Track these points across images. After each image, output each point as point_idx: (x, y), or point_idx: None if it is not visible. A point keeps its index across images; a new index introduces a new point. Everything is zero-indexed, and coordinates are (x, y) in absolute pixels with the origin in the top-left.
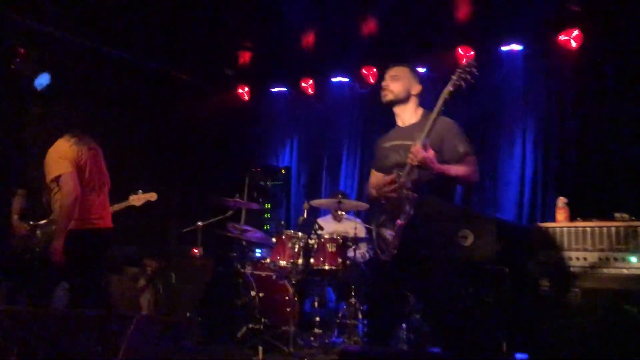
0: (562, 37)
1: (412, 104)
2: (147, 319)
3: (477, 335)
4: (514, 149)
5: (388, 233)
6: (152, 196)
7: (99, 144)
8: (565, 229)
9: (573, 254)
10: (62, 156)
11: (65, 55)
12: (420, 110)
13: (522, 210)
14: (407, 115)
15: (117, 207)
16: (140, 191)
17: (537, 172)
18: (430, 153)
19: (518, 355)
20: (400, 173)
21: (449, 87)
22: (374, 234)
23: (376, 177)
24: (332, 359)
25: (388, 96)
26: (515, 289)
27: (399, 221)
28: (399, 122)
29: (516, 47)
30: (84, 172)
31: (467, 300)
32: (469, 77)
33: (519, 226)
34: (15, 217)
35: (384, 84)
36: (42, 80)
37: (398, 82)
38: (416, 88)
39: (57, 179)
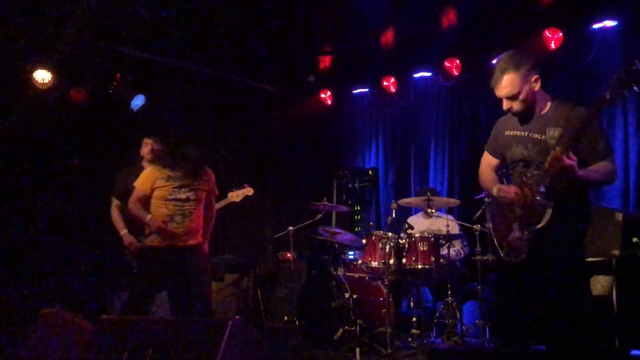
0: None
1: (538, 97)
2: (242, 323)
3: (589, 332)
4: (615, 133)
5: (515, 236)
6: (249, 191)
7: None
8: None
9: None
10: None
11: (157, 76)
12: (549, 100)
13: (627, 198)
14: (538, 108)
15: (218, 205)
16: (234, 188)
17: None
18: (573, 160)
19: (634, 352)
20: (528, 175)
21: (606, 96)
22: (494, 230)
23: (489, 161)
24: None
25: (518, 114)
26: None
27: (532, 227)
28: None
29: (610, 23)
30: None
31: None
32: (633, 85)
33: None
34: (124, 231)
35: (505, 108)
36: (138, 101)
37: (517, 99)
38: (536, 82)
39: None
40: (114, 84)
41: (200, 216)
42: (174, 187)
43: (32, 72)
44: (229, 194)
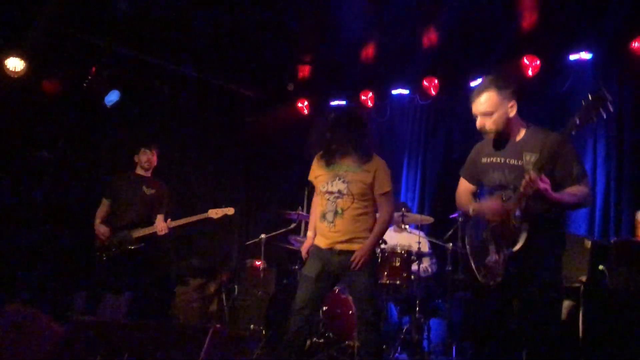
0: (635, 44)
1: (513, 124)
2: (222, 330)
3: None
4: (585, 162)
5: (491, 258)
6: (230, 210)
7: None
8: None
9: None
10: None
11: (133, 73)
12: (524, 126)
13: (593, 225)
14: (510, 133)
15: (195, 218)
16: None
17: (609, 185)
18: (547, 182)
19: None
20: (504, 197)
21: (576, 121)
22: (469, 250)
23: (465, 186)
24: None
25: (490, 135)
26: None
27: (507, 250)
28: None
29: (585, 55)
30: None
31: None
32: (601, 111)
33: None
34: (97, 221)
35: (478, 125)
36: (112, 97)
37: (491, 118)
38: (512, 108)
39: (386, 194)
40: (89, 77)
41: None
42: None
43: (4, 60)
44: (209, 211)
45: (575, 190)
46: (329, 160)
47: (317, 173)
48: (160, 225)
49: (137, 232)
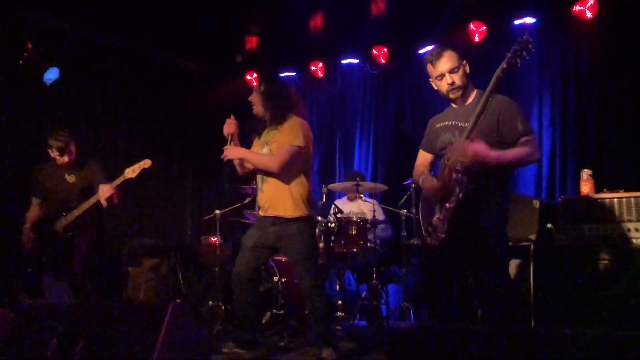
0: (576, 8)
1: (469, 82)
2: (182, 306)
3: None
4: (531, 125)
5: (436, 218)
6: (146, 163)
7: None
8: (616, 200)
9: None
10: (308, 133)
11: (73, 49)
12: (474, 89)
13: (540, 187)
14: (464, 97)
15: (115, 182)
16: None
17: (555, 147)
18: (481, 145)
19: None
20: (448, 156)
21: (503, 65)
22: (420, 218)
23: (423, 158)
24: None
25: (459, 92)
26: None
27: (447, 205)
28: (453, 104)
29: (529, 20)
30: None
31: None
32: (524, 53)
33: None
34: (27, 225)
35: (447, 83)
36: (51, 74)
37: (458, 73)
38: (466, 66)
39: (299, 148)
40: (25, 54)
41: None
42: None
43: None
44: (125, 170)
45: (518, 148)
46: (260, 132)
47: (253, 146)
48: (102, 195)
49: (62, 222)
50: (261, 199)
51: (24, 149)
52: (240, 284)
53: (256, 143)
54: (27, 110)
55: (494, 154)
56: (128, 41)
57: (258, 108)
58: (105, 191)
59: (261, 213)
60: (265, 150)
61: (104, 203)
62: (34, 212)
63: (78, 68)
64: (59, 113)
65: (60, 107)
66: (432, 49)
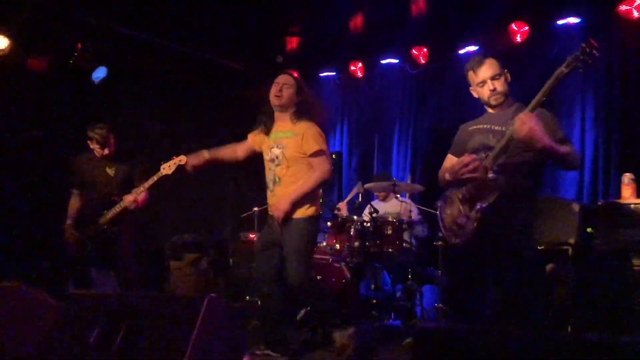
0: (622, 7)
1: (509, 93)
2: (217, 300)
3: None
4: (573, 127)
5: (461, 217)
6: (181, 160)
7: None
8: None
9: None
10: (322, 135)
11: (120, 48)
12: (514, 102)
13: (582, 190)
14: (504, 105)
15: (151, 180)
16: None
17: (598, 150)
18: (541, 126)
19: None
20: (484, 155)
21: (563, 69)
22: (444, 216)
23: (451, 162)
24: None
25: (501, 98)
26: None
27: (478, 205)
28: (492, 110)
29: (573, 20)
30: None
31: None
32: (587, 58)
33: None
34: (68, 222)
35: (490, 87)
36: (99, 73)
37: (500, 80)
38: (507, 74)
39: (317, 153)
40: (75, 54)
41: None
42: None
43: None
44: (161, 167)
45: (569, 147)
46: (269, 128)
47: (263, 142)
48: (128, 199)
49: (104, 218)
50: (270, 198)
51: (77, 146)
52: (264, 286)
53: (265, 140)
54: (76, 109)
55: (548, 139)
56: (173, 41)
57: (287, 91)
58: (129, 201)
59: (272, 212)
60: (276, 151)
61: (130, 207)
62: (74, 204)
63: (125, 67)
64: (106, 111)
65: (107, 105)
66: (473, 57)
